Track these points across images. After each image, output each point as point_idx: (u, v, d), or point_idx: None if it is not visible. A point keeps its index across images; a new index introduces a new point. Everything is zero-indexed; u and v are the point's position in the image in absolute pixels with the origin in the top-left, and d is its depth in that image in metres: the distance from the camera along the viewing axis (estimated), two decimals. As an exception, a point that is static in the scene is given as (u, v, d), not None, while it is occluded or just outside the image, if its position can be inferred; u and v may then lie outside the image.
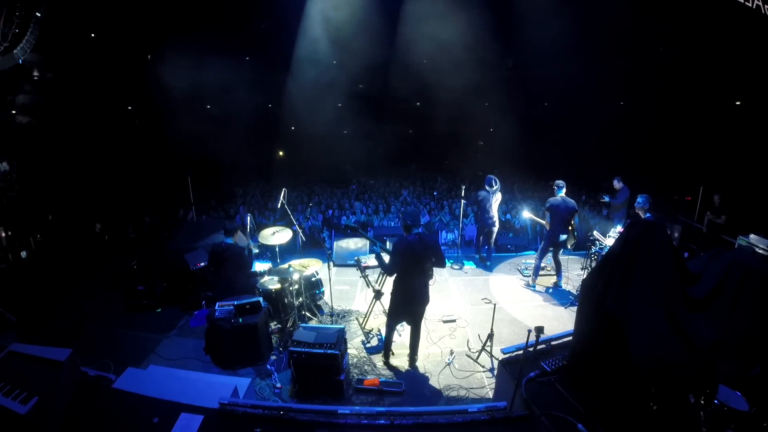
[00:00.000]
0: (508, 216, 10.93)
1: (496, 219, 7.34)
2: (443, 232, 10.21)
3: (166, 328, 5.62)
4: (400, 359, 4.88)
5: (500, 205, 7.47)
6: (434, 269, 4.67)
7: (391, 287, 4.62)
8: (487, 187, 7.21)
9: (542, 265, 7.26)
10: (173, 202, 11.90)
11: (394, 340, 5.02)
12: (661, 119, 14.29)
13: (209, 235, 6.60)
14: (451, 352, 4.96)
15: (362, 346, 5.18)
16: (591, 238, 6.49)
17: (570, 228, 6.37)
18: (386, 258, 4.73)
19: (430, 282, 4.65)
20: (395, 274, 4.53)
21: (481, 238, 7.75)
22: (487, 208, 7.23)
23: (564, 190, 6.42)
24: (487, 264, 7.67)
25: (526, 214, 7.34)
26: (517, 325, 5.60)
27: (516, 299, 6.40)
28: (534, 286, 6.69)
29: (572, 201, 6.41)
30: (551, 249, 6.62)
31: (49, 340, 4.16)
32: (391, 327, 4.79)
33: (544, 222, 6.57)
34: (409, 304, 4.55)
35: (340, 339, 4.22)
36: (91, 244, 9.73)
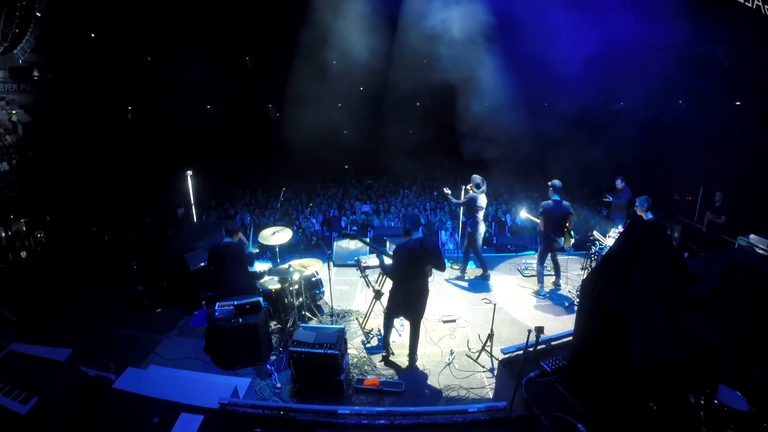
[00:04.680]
0: (508, 216, 10.94)
1: (482, 221, 6.91)
2: (443, 231, 10.21)
3: (166, 328, 5.62)
4: (400, 359, 4.87)
5: (488, 205, 7.14)
6: (434, 270, 4.64)
7: (391, 286, 4.65)
8: (474, 188, 6.74)
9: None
10: (173, 202, 11.90)
11: (393, 340, 5.03)
12: (661, 119, 14.27)
13: (209, 235, 6.60)
14: (451, 352, 4.96)
15: (362, 346, 5.18)
16: (591, 238, 6.48)
17: (566, 230, 6.28)
18: (387, 260, 4.74)
19: (429, 280, 4.65)
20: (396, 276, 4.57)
21: (465, 243, 7.11)
22: (478, 210, 6.78)
23: (559, 192, 6.23)
24: (487, 275, 7.13)
25: (523, 214, 7.23)
26: (517, 325, 5.59)
27: (516, 299, 6.39)
28: (543, 293, 6.46)
29: (566, 204, 6.27)
30: (549, 252, 6.53)
31: (49, 340, 4.16)
32: (388, 325, 4.80)
33: (540, 222, 6.50)
34: (408, 304, 4.57)
35: (340, 339, 4.22)
36: (91, 244, 9.73)
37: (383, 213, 11.38)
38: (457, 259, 7.74)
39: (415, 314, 4.65)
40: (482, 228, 6.91)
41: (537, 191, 12.89)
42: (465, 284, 6.94)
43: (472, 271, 7.54)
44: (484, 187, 6.77)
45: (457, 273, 7.38)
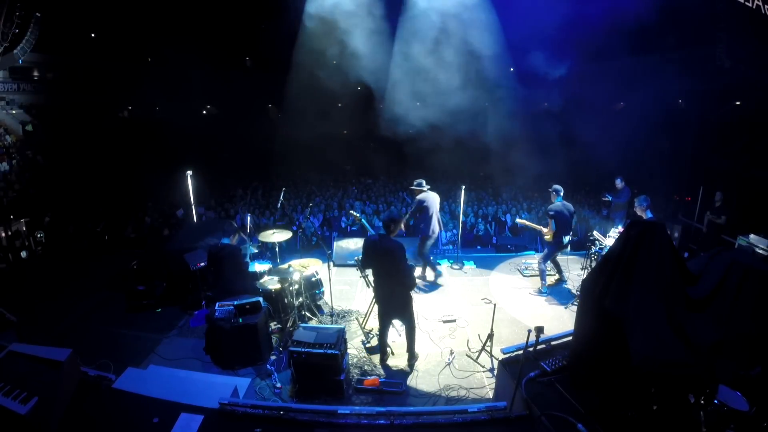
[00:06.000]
0: (508, 216, 10.94)
1: (437, 225, 6.69)
2: (443, 232, 10.19)
3: (166, 328, 5.62)
4: (400, 359, 4.88)
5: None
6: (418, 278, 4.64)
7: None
8: (421, 188, 6.63)
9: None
10: (173, 202, 11.90)
11: (393, 340, 5.04)
12: (661, 119, 14.27)
13: (209, 235, 6.60)
14: (451, 352, 4.96)
15: (362, 346, 5.18)
16: (591, 238, 6.49)
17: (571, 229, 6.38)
18: None
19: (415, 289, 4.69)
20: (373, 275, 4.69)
21: (423, 248, 6.78)
22: (432, 213, 6.57)
23: (562, 194, 6.37)
24: (437, 276, 6.95)
25: (520, 221, 7.20)
26: (517, 325, 5.60)
27: (516, 299, 6.40)
28: (545, 290, 6.49)
29: (569, 204, 6.44)
30: (557, 253, 6.57)
31: (49, 340, 4.16)
32: (383, 326, 4.80)
33: (543, 229, 6.47)
34: (389, 302, 4.62)
35: (340, 339, 4.22)
36: (91, 244, 9.73)
37: (383, 213, 11.38)
38: (457, 259, 7.76)
39: (402, 317, 4.68)
40: (437, 230, 6.65)
41: (536, 191, 12.90)
42: (465, 284, 6.94)
43: (471, 270, 7.55)
44: (427, 185, 6.70)
45: (458, 273, 7.39)
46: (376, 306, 5.42)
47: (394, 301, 4.57)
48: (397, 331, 5.26)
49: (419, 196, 6.60)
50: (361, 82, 11.20)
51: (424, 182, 6.73)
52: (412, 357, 4.79)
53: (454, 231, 9.75)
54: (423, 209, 6.54)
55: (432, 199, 6.60)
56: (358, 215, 6.09)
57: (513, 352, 3.84)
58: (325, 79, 11.96)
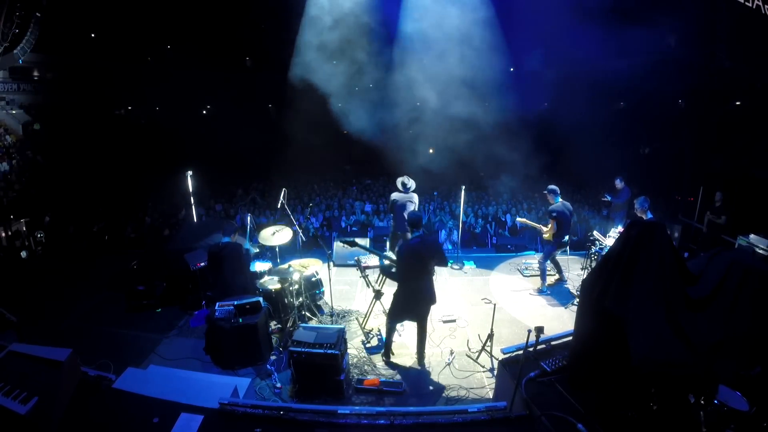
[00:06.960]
0: (508, 216, 10.94)
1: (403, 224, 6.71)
2: (443, 231, 10.23)
3: (166, 328, 5.62)
4: (400, 359, 4.88)
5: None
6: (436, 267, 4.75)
7: (396, 289, 4.65)
8: (400, 188, 6.81)
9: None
10: (173, 202, 11.90)
11: (394, 340, 5.03)
12: (661, 119, 14.28)
13: (209, 235, 6.60)
14: (451, 352, 4.96)
15: (362, 346, 5.18)
16: (591, 238, 6.49)
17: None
18: (389, 265, 4.88)
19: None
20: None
21: (392, 243, 6.85)
22: (400, 211, 6.66)
23: (559, 194, 6.37)
24: None
25: (521, 220, 7.22)
26: (517, 325, 5.59)
27: (516, 299, 6.39)
28: (545, 290, 6.49)
29: (568, 203, 6.45)
30: (557, 252, 6.57)
31: (49, 340, 4.15)
32: (392, 327, 4.81)
33: (543, 228, 6.49)
34: (415, 304, 4.61)
35: (340, 339, 4.21)
36: (91, 244, 9.73)
37: (383, 213, 11.38)
38: (457, 259, 7.75)
39: (421, 315, 4.69)
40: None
41: (536, 192, 12.89)
42: (465, 284, 6.94)
43: (471, 270, 7.55)
44: (411, 186, 6.77)
45: (458, 273, 7.39)
46: (376, 305, 5.44)
47: (423, 301, 4.60)
48: (397, 332, 5.26)
49: (392, 195, 6.90)
50: (359, 82, 11.22)
51: (407, 181, 6.89)
52: (422, 358, 4.81)
53: (454, 231, 9.76)
54: (392, 206, 6.83)
55: (403, 199, 6.73)
56: (351, 241, 5.87)
57: (513, 352, 3.84)
58: (325, 78, 11.97)
